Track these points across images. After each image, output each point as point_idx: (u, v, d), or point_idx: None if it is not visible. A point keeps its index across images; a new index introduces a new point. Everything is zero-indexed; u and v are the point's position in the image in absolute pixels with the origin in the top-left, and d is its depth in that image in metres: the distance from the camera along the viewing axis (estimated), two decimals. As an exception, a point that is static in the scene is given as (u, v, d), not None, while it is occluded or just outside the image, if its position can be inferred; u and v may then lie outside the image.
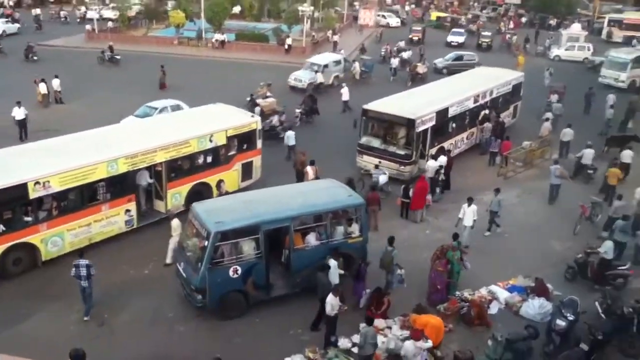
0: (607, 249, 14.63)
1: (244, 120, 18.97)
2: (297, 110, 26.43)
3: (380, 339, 11.76)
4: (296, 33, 45.61)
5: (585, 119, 27.96)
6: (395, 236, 14.26)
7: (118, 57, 37.14)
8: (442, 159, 20.00)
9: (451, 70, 35.69)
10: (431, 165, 19.72)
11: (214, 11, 44.51)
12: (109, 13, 51.83)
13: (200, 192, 17.19)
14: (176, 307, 13.31)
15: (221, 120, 18.54)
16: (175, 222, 14.61)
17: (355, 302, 13.29)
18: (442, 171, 19.78)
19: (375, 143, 21.07)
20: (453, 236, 14.55)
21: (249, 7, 54.09)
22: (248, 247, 12.54)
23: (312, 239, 13.33)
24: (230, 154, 18.25)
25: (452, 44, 47.36)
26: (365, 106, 21.33)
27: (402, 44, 43.64)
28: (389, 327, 12.61)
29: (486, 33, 49.13)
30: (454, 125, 22.42)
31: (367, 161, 20.92)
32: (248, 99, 26.46)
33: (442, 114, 21.38)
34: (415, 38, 48.72)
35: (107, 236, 15.56)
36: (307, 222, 13.49)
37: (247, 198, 13.77)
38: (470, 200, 16.38)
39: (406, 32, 52.02)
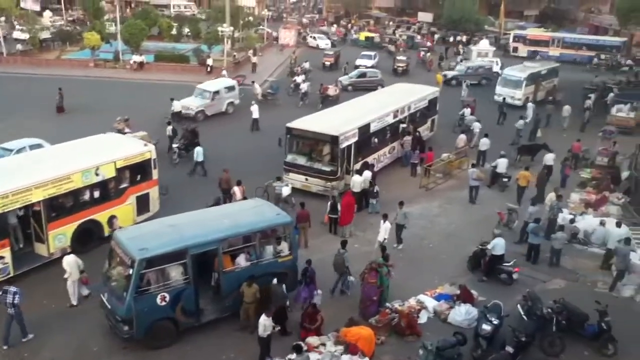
0: (494, 245, 15.74)
1: (136, 149, 17.56)
2: (175, 146, 23.92)
3: (315, 356, 11.72)
4: (217, 53, 45.30)
5: (499, 129, 29.43)
6: (324, 252, 14.36)
7: None
8: (367, 174, 20.43)
9: (356, 87, 36.98)
10: (356, 180, 20.07)
11: (131, 32, 43.41)
12: (19, 35, 49.18)
13: (90, 231, 16.06)
14: (101, 340, 12.68)
15: (109, 151, 17.02)
16: (67, 260, 13.57)
17: (301, 306, 13.51)
18: (374, 182, 20.38)
19: (301, 160, 21.23)
20: (381, 248, 14.91)
21: (167, 28, 53.20)
22: (175, 273, 12.19)
23: (241, 261, 13.16)
24: (121, 186, 16.89)
25: (361, 67, 43.05)
26: (289, 124, 21.50)
27: (306, 65, 42.31)
28: (324, 344, 12.57)
29: (401, 57, 46.18)
30: (376, 140, 22.98)
31: (294, 179, 21.01)
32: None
33: (364, 130, 21.86)
34: (328, 63, 46.01)
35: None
36: (235, 244, 13.31)
37: (173, 222, 13.38)
38: (384, 217, 16.81)
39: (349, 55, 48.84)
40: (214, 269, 13.14)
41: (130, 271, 11.69)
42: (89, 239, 16.10)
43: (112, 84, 37.37)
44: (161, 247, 12.08)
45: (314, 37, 60.03)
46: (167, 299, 12.05)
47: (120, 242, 12.43)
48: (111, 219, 16.34)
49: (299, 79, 36.50)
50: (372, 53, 48.16)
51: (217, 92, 31.02)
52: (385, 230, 16.47)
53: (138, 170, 17.39)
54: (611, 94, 34.78)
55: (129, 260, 11.84)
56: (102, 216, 16.37)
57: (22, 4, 54.72)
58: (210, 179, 21.19)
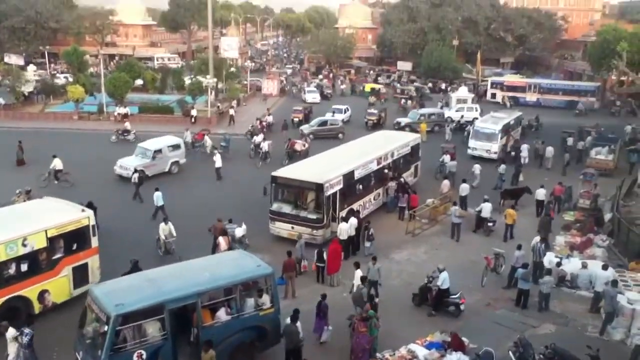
0: (442, 280, 16.02)
1: (71, 216, 15.96)
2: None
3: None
4: (201, 104, 45.65)
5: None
6: (311, 302, 14.03)
7: None
8: (353, 221, 20.26)
9: (317, 136, 36.79)
10: (343, 227, 19.86)
11: (115, 85, 43.71)
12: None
13: (17, 309, 14.44)
14: (75, 404, 12.00)
15: (40, 218, 15.46)
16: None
17: (316, 339, 13.65)
18: (369, 225, 20.56)
19: (287, 209, 21.10)
20: (369, 298, 14.59)
21: (151, 80, 53.75)
22: (153, 329, 11.70)
23: (222, 315, 12.70)
24: (54, 257, 15.31)
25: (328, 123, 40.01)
26: (274, 173, 21.53)
27: (269, 118, 40.97)
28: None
29: (372, 111, 44.10)
30: (360, 187, 22.94)
31: (280, 227, 20.88)
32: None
33: (348, 177, 21.84)
34: (297, 119, 42.79)
35: None
36: (215, 297, 12.90)
37: (151, 276, 12.96)
38: (356, 265, 16.59)
39: (324, 108, 47.41)
40: (192, 324, 12.64)
41: (106, 328, 11.20)
42: (17, 318, 14.01)
43: (94, 136, 37.29)
44: (138, 302, 11.64)
45: (303, 91, 57.27)
46: (144, 356, 11.50)
47: (95, 298, 11.95)
48: (42, 294, 14.89)
49: (258, 138, 34.15)
50: (344, 107, 46.06)
51: (159, 151, 28.84)
52: (357, 278, 16.15)
53: (74, 239, 15.80)
54: (589, 137, 35.43)
55: (105, 316, 11.36)
56: (31, 291, 14.74)
57: (6, 59, 55.22)
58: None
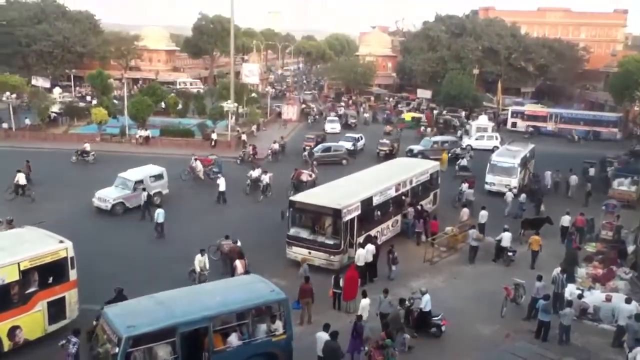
0: (425, 302, 16.14)
1: (48, 247, 15.10)
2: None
3: None
4: (222, 128, 46.14)
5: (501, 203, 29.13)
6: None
7: None
8: (370, 247, 20.06)
9: (320, 162, 36.35)
10: (360, 253, 19.68)
11: (138, 108, 44.48)
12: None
13: None
14: None
15: (15, 250, 14.62)
16: None
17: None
18: (393, 249, 20.67)
19: (304, 234, 21.04)
20: (383, 325, 14.31)
21: (173, 104, 54.59)
22: (163, 352, 11.60)
23: (233, 340, 12.55)
24: (28, 291, 14.52)
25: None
26: (292, 198, 21.71)
27: (275, 146, 39.49)
28: None
29: (385, 141, 42.78)
30: (378, 213, 22.77)
31: (297, 252, 20.80)
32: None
33: (366, 203, 21.73)
34: (308, 148, 40.16)
35: None
36: (227, 322, 12.78)
37: (163, 298, 12.88)
38: (363, 294, 16.34)
39: (340, 137, 45.42)
40: (204, 348, 12.48)
41: (117, 349, 11.13)
42: None
43: (116, 158, 37.73)
44: (149, 325, 11.58)
45: (325, 120, 55.29)
46: (155, 379, 11.39)
47: (108, 319, 11.95)
48: (13, 331, 14.05)
49: (254, 172, 31.22)
50: (358, 135, 45.22)
51: (139, 182, 26.94)
52: (363, 308, 15.77)
53: (50, 272, 14.97)
54: (611, 168, 34.83)
55: (116, 337, 11.32)
56: (0, 327, 13.98)
57: (33, 82, 56.64)
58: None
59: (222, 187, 28.75)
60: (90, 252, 18.93)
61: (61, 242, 15.56)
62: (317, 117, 59.53)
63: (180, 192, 30.19)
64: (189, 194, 30.51)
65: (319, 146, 40.37)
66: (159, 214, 23.37)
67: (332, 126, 52.14)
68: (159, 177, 28.45)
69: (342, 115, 59.04)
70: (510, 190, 29.88)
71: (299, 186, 30.00)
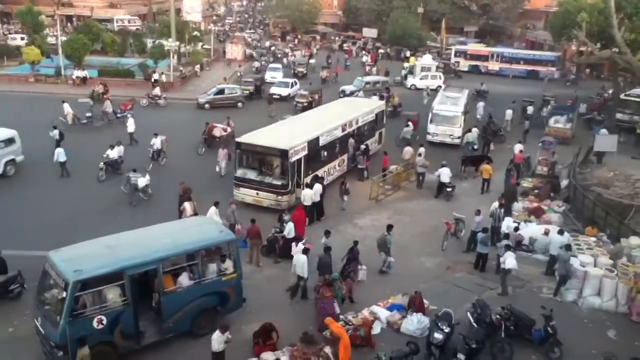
0: (288, 229, 17.04)
1: None
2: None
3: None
4: (163, 68, 44.41)
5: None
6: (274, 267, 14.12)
7: None
8: (317, 187, 20.28)
9: (213, 105, 35.76)
10: (307, 193, 19.89)
11: (73, 47, 42.04)
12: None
13: None
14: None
15: None
16: None
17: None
18: (345, 180, 22.20)
19: (252, 175, 21.00)
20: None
21: (111, 43, 51.84)
22: (113, 295, 11.55)
23: (184, 280, 12.62)
24: None
25: (275, 96, 37.96)
26: (239, 139, 21.41)
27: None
28: (278, 359, 12.24)
29: (303, 92, 37.63)
30: (325, 153, 22.92)
31: (245, 193, 20.80)
32: None
33: (313, 144, 21.81)
34: (246, 92, 38.39)
35: None
36: (177, 263, 12.77)
37: (111, 242, 12.69)
38: (305, 251, 15.80)
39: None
40: (154, 290, 12.55)
41: (64, 294, 11.01)
42: None
43: (52, 100, 35.86)
44: (97, 269, 11.44)
45: (264, 67, 50.71)
46: (105, 321, 11.40)
47: (53, 264, 11.70)
48: None
49: (112, 152, 23.56)
50: (292, 80, 42.17)
51: None
52: (302, 265, 14.74)
53: None
54: (548, 107, 36.10)
55: (63, 282, 11.15)
56: None
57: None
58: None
59: (130, 128, 27.50)
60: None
61: None
62: (266, 61, 54.70)
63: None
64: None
65: (212, 89, 38.07)
66: (59, 154, 22.89)
67: (273, 75, 45.87)
68: (9, 141, 22.72)
69: (289, 64, 53.70)
70: (454, 139, 29.40)
71: (212, 143, 26.97)
